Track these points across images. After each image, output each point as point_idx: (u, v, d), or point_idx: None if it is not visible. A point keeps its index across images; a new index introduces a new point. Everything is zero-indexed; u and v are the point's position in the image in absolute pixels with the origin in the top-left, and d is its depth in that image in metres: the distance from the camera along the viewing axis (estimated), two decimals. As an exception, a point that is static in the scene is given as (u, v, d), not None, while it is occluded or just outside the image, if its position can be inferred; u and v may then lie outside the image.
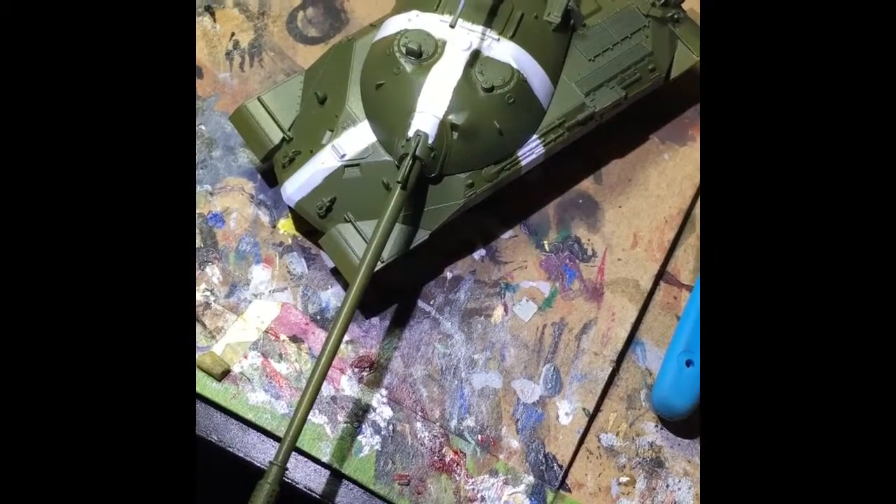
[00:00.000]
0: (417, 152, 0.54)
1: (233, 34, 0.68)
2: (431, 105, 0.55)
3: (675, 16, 0.63)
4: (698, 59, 0.63)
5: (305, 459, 0.56)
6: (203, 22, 0.67)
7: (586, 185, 0.63)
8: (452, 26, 0.56)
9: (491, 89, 0.56)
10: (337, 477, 0.55)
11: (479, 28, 0.57)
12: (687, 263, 0.62)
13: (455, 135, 0.55)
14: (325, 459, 0.55)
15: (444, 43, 0.57)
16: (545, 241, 0.62)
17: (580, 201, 0.63)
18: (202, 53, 0.66)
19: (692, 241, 0.62)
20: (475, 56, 0.56)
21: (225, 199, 0.62)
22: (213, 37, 0.67)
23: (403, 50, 0.56)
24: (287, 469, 0.49)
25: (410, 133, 0.55)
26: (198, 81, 0.65)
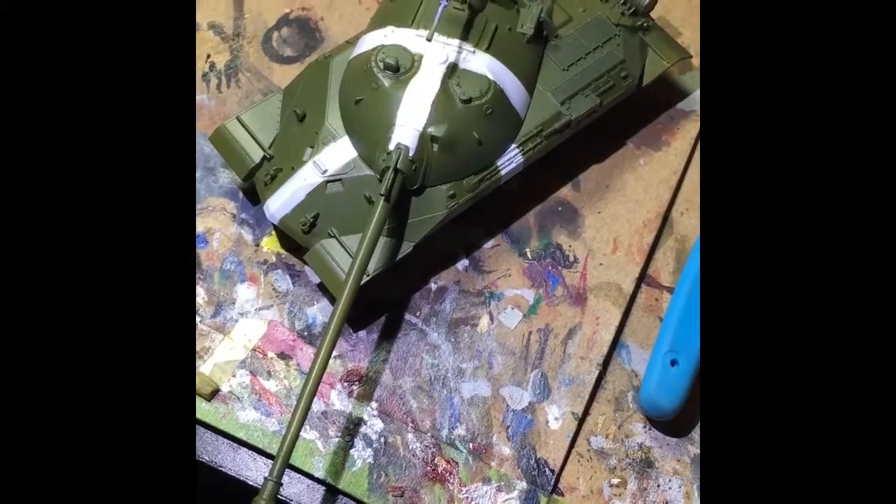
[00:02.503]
0: (399, 165, 0.54)
1: (208, 56, 0.68)
2: (411, 118, 0.56)
3: (645, 24, 0.64)
4: (669, 64, 0.64)
5: (299, 475, 0.56)
6: (178, 45, 0.68)
7: (565, 192, 0.64)
8: (429, 40, 0.57)
9: (469, 101, 0.57)
10: (331, 492, 0.55)
11: (455, 41, 0.58)
12: (667, 266, 0.63)
13: (435, 147, 0.56)
14: (318, 475, 0.55)
15: (421, 57, 0.57)
16: (527, 249, 0.62)
17: (560, 208, 0.64)
18: (179, 76, 0.67)
19: (671, 244, 0.63)
20: (452, 69, 0.57)
21: (207, 220, 0.62)
22: (188, 59, 0.67)
23: (381, 65, 0.57)
24: (282, 485, 0.49)
25: (391, 146, 0.55)
26: (175, 104, 0.65)
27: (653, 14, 0.65)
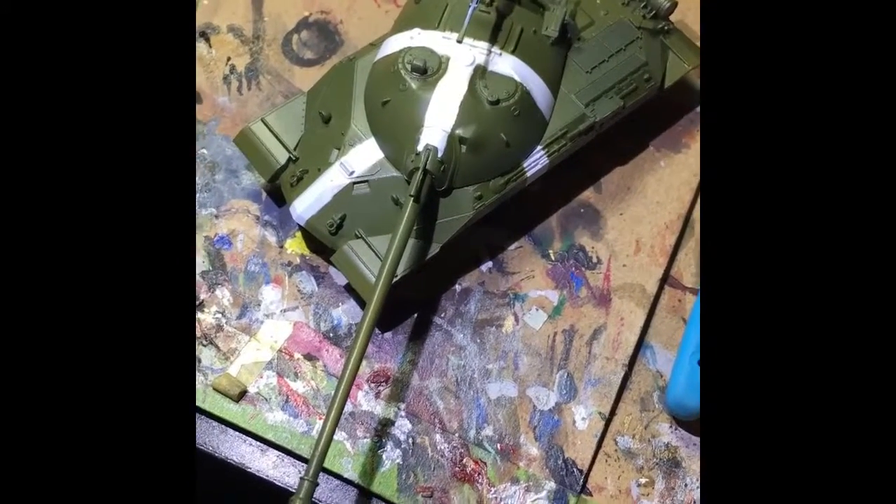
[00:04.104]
0: (428, 166, 0.54)
1: (229, 59, 0.68)
2: (439, 119, 0.56)
3: (665, 27, 0.65)
4: (689, 67, 0.65)
5: (328, 476, 0.56)
6: (199, 48, 0.68)
7: (587, 194, 0.65)
8: (460, 41, 0.57)
9: (496, 102, 0.57)
10: (360, 493, 0.55)
11: (482, 44, 0.58)
12: (689, 267, 0.63)
13: (463, 148, 0.56)
14: (347, 475, 0.55)
15: (448, 59, 0.58)
16: (550, 251, 0.63)
17: (582, 210, 0.64)
18: (200, 78, 0.67)
19: (693, 245, 0.64)
20: (479, 71, 0.58)
21: (230, 222, 0.62)
22: (209, 62, 0.68)
23: (408, 67, 0.57)
24: (318, 484, 0.49)
25: (420, 147, 0.55)
26: (197, 106, 0.66)
27: (672, 18, 0.65)
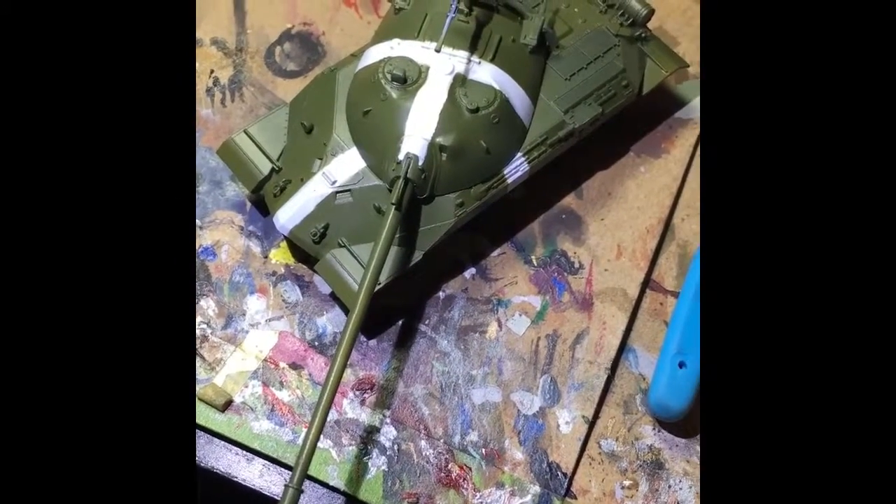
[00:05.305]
0: (409, 174, 0.55)
1: (212, 71, 0.69)
2: (419, 128, 0.57)
3: (643, 35, 0.65)
4: (667, 74, 0.65)
5: (313, 484, 0.56)
6: (182, 60, 0.68)
7: (568, 200, 0.65)
8: (438, 51, 0.58)
9: (476, 110, 0.58)
10: (346, 500, 0.56)
11: (461, 52, 0.59)
12: (670, 270, 0.64)
13: (444, 156, 0.57)
14: (333, 483, 0.56)
15: (428, 68, 0.58)
16: (533, 257, 0.63)
17: (563, 216, 0.65)
18: (183, 91, 0.67)
19: (673, 249, 0.64)
20: (458, 79, 0.58)
21: (215, 233, 0.63)
22: (192, 74, 0.68)
23: (388, 76, 0.58)
24: (303, 492, 0.49)
25: (401, 156, 0.56)
26: (181, 118, 0.66)
27: (650, 25, 0.66)
